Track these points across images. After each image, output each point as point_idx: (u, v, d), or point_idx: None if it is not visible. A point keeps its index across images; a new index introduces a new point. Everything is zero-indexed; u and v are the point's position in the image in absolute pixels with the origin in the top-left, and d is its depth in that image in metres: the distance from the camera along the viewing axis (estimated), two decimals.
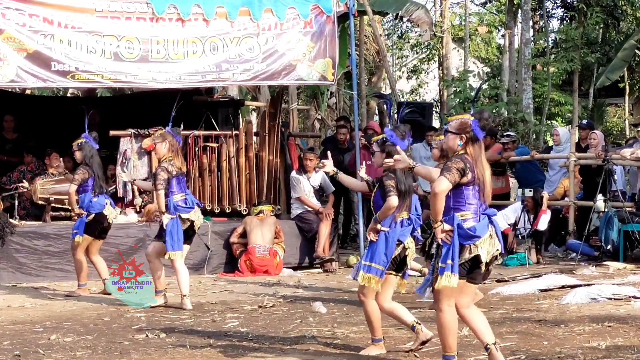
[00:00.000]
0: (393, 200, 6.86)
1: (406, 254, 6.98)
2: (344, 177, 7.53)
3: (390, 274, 6.98)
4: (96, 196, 10.09)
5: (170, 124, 9.61)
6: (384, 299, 7.04)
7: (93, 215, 10.06)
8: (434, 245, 6.10)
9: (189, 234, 9.47)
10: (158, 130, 9.54)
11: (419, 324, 7.02)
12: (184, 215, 9.32)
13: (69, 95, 23.34)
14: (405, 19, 21.73)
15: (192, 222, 9.42)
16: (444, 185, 5.88)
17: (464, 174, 5.94)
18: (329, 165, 7.36)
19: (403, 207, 6.97)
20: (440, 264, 5.96)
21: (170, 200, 9.28)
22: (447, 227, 5.94)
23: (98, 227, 10.16)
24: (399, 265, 6.99)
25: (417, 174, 6.74)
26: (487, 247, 6.01)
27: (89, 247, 10.17)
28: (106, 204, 10.18)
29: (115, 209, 10.53)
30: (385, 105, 7.74)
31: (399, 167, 6.58)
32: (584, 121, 16.47)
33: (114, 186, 12.31)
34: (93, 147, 10.24)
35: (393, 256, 6.90)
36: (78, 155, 10.18)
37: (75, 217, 12.29)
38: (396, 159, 6.46)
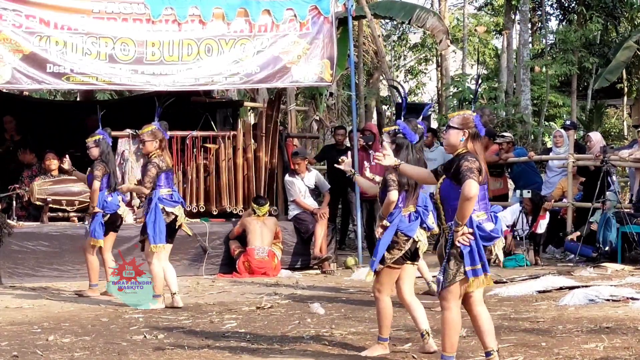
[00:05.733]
0: (393, 194, 6.85)
1: (417, 246, 6.99)
2: (360, 179, 7.48)
3: (406, 263, 6.99)
4: (110, 194, 10.10)
5: (156, 118, 9.55)
6: (406, 291, 7.06)
7: (108, 216, 10.08)
8: (447, 247, 6.03)
9: (171, 230, 9.46)
10: (147, 127, 9.45)
11: (429, 335, 6.99)
12: (168, 209, 9.33)
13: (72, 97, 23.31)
14: (414, 26, 21.47)
15: (176, 216, 9.42)
16: (476, 188, 5.79)
17: (480, 173, 5.90)
18: (348, 164, 7.29)
19: (409, 200, 6.99)
20: (468, 268, 5.90)
21: (156, 193, 9.29)
22: (467, 229, 5.88)
23: (112, 226, 10.24)
24: (412, 256, 7.00)
25: (402, 173, 6.68)
26: (501, 246, 6.04)
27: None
28: (119, 202, 10.25)
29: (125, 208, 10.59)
30: (397, 92, 7.75)
31: (385, 164, 6.51)
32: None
33: None
34: (109, 143, 10.27)
35: (404, 252, 6.90)
36: (95, 151, 10.14)
37: (75, 218, 12.34)
38: (385, 154, 6.43)
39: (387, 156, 6.42)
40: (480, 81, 6.92)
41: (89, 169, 10.20)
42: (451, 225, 5.96)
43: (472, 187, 5.77)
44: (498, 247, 6.03)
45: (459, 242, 5.88)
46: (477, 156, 5.96)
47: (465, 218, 5.85)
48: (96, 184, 10.00)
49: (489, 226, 5.96)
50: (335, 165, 7.19)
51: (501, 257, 6.09)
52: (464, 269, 5.91)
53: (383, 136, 7.07)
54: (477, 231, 5.91)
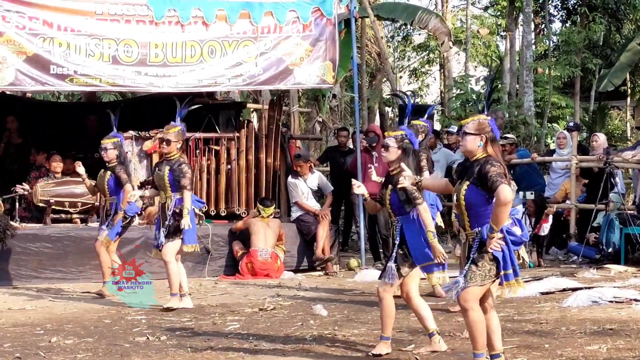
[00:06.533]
0: (425, 206, 6.91)
1: None
2: (370, 203, 7.47)
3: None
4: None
5: (178, 119, 9.51)
6: (413, 291, 7.07)
7: (129, 218, 10.11)
8: (472, 252, 5.99)
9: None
10: (174, 128, 9.44)
11: (439, 333, 7.07)
12: (197, 210, 9.41)
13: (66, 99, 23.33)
14: (416, 28, 21.50)
15: (201, 217, 9.57)
16: (510, 193, 5.78)
17: (506, 177, 5.89)
18: (363, 188, 7.27)
19: None
20: (502, 272, 5.92)
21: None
22: (499, 235, 5.85)
23: (127, 227, 10.26)
24: None
25: (424, 188, 6.77)
26: (524, 249, 6.07)
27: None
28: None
29: None
30: (401, 100, 7.89)
31: (408, 185, 6.59)
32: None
33: None
34: (123, 146, 10.29)
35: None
36: (113, 153, 10.06)
37: (77, 220, 12.36)
38: (406, 176, 6.43)
39: (407, 177, 6.43)
40: (492, 84, 6.85)
41: (109, 172, 10.06)
42: (477, 232, 5.94)
43: (507, 192, 5.75)
44: (523, 250, 6.10)
45: (492, 248, 5.84)
46: (500, 160, 5.95)
47: (501, 223, 5.83)
48: (129, 186, 9.96)
49: (517, 231, 5.96)
50: (353, 191, 7.23)
51: (527, 259, 6.14)
52: (495, 272, 5.93)
53: (388, 141, 7.04)
54: (508, 236, 5.90)
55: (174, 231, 9.30)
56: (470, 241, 6.03)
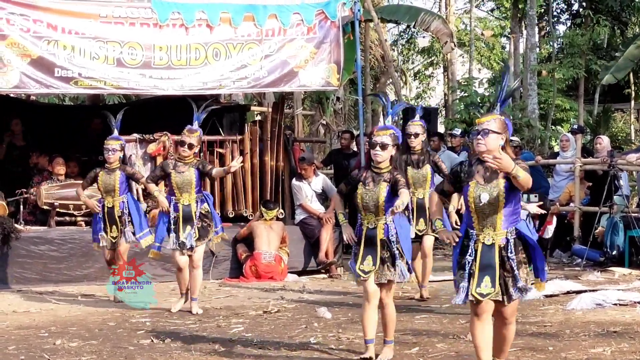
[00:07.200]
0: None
1: None
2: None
3: None
4: None
5: (196, 124, 9.46)
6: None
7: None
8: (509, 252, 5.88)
9: None
10: (195, 132, 9.36)
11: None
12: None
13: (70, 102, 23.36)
14: (419, 29, 21.45)
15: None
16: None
17: None
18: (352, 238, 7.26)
19: None
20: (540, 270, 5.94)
21: (208, 194, 9.59)
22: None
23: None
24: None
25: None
26: None
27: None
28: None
29: None
30: (382, 101, 7.99)
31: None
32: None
33: None
34: None
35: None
36: (118, 155, 10.01)
37: (82, 223, 12.36)
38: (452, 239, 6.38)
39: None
40: (514, 88, 6.78)
41: (118, 171, 10.00)
42: (511, 230, 5.80)
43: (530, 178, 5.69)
44: None
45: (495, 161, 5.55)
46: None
47: (525, 178, 5.63)
48: (144, 181, 9.97)
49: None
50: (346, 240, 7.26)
51: None
52: (531, 276, 5.91)
53: (385, 140, 7.10)
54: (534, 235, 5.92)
55: (204, 234, 9.39)
56: (499, 242, 5.81)
